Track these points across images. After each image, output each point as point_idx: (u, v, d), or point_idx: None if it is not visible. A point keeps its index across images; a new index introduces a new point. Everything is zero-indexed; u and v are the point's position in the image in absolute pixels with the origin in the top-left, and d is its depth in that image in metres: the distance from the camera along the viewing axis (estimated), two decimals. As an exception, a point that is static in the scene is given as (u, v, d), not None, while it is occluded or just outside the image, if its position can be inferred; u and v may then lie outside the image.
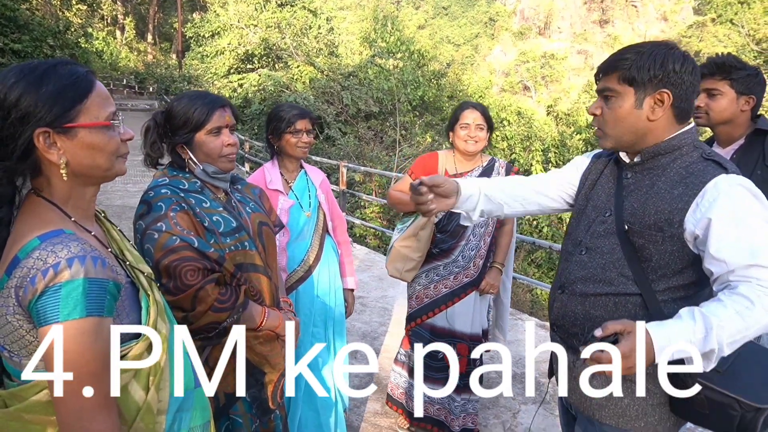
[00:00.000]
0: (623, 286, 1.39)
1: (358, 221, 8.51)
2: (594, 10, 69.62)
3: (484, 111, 2.68)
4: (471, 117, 2.63)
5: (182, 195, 1.56)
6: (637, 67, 1.35)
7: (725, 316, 1.14)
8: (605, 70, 1.42)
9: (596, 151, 1.69)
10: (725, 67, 2.15)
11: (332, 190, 2.81)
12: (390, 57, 16.86)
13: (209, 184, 1.68)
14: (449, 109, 18.02)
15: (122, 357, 1.02)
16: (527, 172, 15.24)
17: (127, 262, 1.15)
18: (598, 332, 1.19)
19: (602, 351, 1.16)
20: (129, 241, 1.28)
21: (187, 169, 1.67)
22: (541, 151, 14.98)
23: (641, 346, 1.13)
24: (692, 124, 1.41)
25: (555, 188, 1.69)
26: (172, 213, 1.49)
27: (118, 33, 37.29)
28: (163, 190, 1.55)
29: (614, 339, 1.18)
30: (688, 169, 1.35)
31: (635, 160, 1.44)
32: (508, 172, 2.75)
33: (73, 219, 1.06)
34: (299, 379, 2.39)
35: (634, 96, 1.37)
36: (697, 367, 1.15)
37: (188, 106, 1.62)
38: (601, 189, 1.53)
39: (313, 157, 10.12)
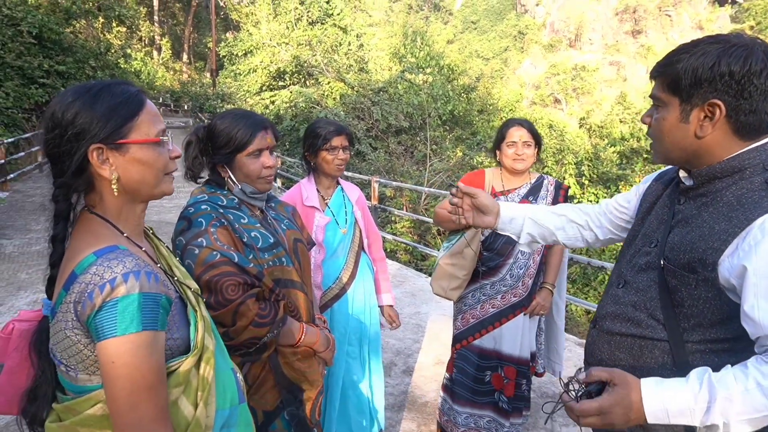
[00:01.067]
0: (651, 330, 1.22)
1: (389, 236, 8.49)
2: (626, 21, 68.65)
3: (530, 127, 2.62)
4: (517, 134, 2.58)
5: (221, 211, 1.58)
6: (683, 70, 1.13)
7: (738, 388, 0.98)
8: (653, 73, 1.21)
9: (662, 169, 1.46)
10: None
11: None
12: (419, 72, 16.94)
13: (246, 202, 1.70)
14: (479, 123, 17.98)
15: (172, 371, 1.03)
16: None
17: (176, 278, 1.17)
18: (581, 376, 1.09)
19: (577, 400, 1.08)
20: (176, 257, 1.29)
21: (225, 187, 1.69)
22: (574, 164, 14.74)
23: (625, 403, 1.03)
24: (762, 142, 1.14)
25: (612, 214, 1.54)
26: (212, 229, 1.50)
27: (155, 53, 38.56)
28: (202, 207, 1.57)
29: (600, 388, 1.08)
30: (741, 199, 1.10)
31: (689, 183, 1.23)
32: (557, 189, 2.69)
33: (125, 235, 1.09)
34: (333, 397, 2.38)
35: (679, 107, 1.16)
36: None
37: (231, 126, 1.64)
38: (655, 215, 1.34)
39: (345, 173, 10.17)
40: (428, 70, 17.32)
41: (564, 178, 14.96)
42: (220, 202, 1.62)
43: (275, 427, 1.59)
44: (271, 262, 1.60)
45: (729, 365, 1.04)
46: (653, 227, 1.32)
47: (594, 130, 21.47)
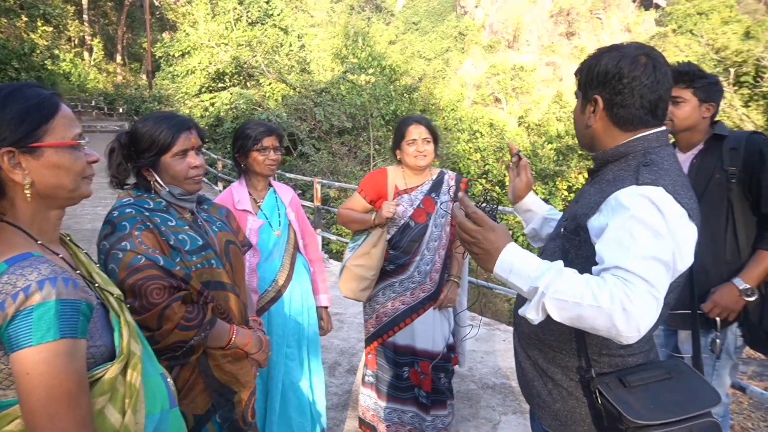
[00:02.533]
0: None
1: (334, 237, 8.49)
2: (560, 23, 71.32)
3: (428, 124, 2.68)
4: (417, 132, 2.63)
5: (147, 214, 1.56)
6: (581, 71, 1.39)
7: (570, 274, 1.13)
8: (575, 72, 1.45)
9: None
10: (688, 76, 2.22)
11: (307, 206, 2.81)
12: (362, 73, 16.98)
13: (175, 204, 1.68)
14: (422, 122, 18.22)
15: (96, 380, 1.02)
16: (501, 183, 15.45)
17: (96, 284, 1.15)
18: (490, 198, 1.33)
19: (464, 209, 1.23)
20: (96, 263, 1.27)
21: (153, 191, 1.67)
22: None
23: (496, 238, 1.20)
24: (652, 131, 1.34)
25: None
26: (136, 232, 1.49)
27: (86, 54, 36.79)
28: (127, 210, 1.54)
29: (489, 209, 1.28)
30: (616, 177, 1.32)
31: (594, 167, 1.45)
32: (458, 183, 2.76)
33: (39, 242, 1.05)
34: (273, 400, 2.38)
35: (581, 101, 1.41)
36: (523, 307, 1.19)
37: (153, 128, 1.62)
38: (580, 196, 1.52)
39: (287, 174, 10.09)
40: (370, 71, 17.38)
41: (504, 175, 15.37)
42: (146, 206, 1.60)
43: (206, 431, 1.58)
44: (199, 265, 1.59)
45: None
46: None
47: (532, 129, 22.19)
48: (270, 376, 2.41)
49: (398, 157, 2.73)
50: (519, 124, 25.56)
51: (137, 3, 37.37)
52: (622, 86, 1.29)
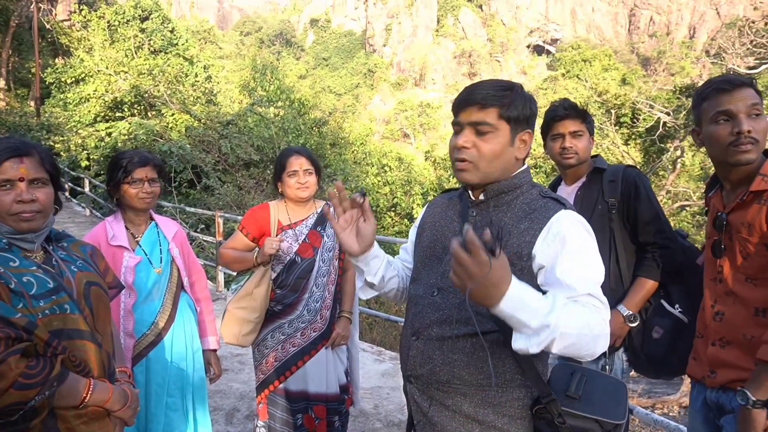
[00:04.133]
0: (481, 324, 1.27)
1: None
2: (463, 64, 75.53)
3: (309, 155, 2.60)
4: (297, 163, 2.53)
5: (-18, 254, 1.34)
6: (515, 106, 1.36)
7: (571, 307, 1.19)
8: (482, 103, 1.35)
9: (428, 203, 1.68)
10: (581, 111, 2.34)
11: (210, 241, 2.60)
12: (270, 105, 16.78)
13: (16, 243, 1.46)
14: (332, 156, 18.27)
15: None
16: (409, 216, 15.73)
17: None
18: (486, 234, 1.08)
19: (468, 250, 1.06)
20: None
21: None
22: (421, 194, 15.55)
23: (500, 275, 1.08)
24: (526, 165, 1.47)
25: (409, 252, 1.67)
26: None
27: (-38, 78, 33.49)
28: None
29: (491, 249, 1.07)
30: (530, 205, 1.38)
31: (480, 197, 1.43)
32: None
33: None
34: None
35: (509, 134, 1.37)
36: (521, 341, 1.15)
37: None
38: (448, 229, 1.50)
39: (188, 209, 9.62)
40: (279, 104, 17.24)
41: (413, 208, 15.69)
42: None
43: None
44: (48, 311, 1.38)
45: None
46: (450, 239, 1.36)
47: (438, 163, 22.96)
48: (148, 430, 2.17)
49: (279, 189, 2.61)
50: (426, 159, 26.39)
51: (25, 25, 34.77)
52: (532, 122, 1.43)
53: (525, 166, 1.45)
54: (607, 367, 2.24)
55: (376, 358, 5.02)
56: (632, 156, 16.28)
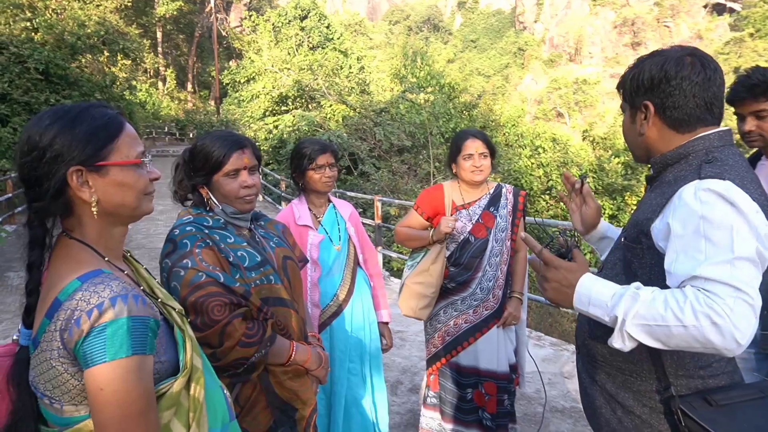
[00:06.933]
0: None
1: (394, 255, 8.46)
2: (625, 33, 69.04)
3: (485, 138, 2.59)
4: (473, 146, 2.54)
5: (207, 232, 1.57)
6: (625, 82, 1.34)
7: (646, 295, 1.07)
8: (617, 86, 1.41)
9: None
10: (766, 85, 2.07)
11: (368, 224, 2.79)
12: (421, 91, 17.04)
13: (231, 221, 1.69)
14: (482, 139, 18.05)
15: (162, 394, 1.02)
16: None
17: (159, 299, 1.15)
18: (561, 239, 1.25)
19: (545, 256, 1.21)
20: (156, 279, 1.28)
21: (208, 208, 1.68)
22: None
23: (570, 276, 1.16)
24: (713, 130, 1.27)
25: None
26: (197, 250, 1.50)
27: (160, 84, 39.13)
28: (188, 228, 1.56)
29: (563, 253, 1.23)
30: (677, 177, 1.25)
31: (652, 173, 1.38)
32: (516, 197, 2.66)
33: (106, 259, 1.07)
34: (337, 416, 2.34)
35: (629, 111, 1.36)
36: (614, 337, 1.11)
37: (208, 146, 1.64)
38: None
39: (348, 193, 10.20)
40: (429, 90, 17.42)
41: (569, 191, 14.84)
42: (206, 223, 1.61)
43: (268, 449, 1.56)
44: (258, 281, 1.58)
45: None
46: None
47: (598, 142, 21.44)
48: (333, 392, 2.38)
49: (454, 171, 2.66)
50: (583, 138, 24.77)
51: (206, 34, 39.50)
52: (671, 88, 1.25)
53: (704, 133, 1.27)
54: None
55: (536, 343, 4.90)
56: None
